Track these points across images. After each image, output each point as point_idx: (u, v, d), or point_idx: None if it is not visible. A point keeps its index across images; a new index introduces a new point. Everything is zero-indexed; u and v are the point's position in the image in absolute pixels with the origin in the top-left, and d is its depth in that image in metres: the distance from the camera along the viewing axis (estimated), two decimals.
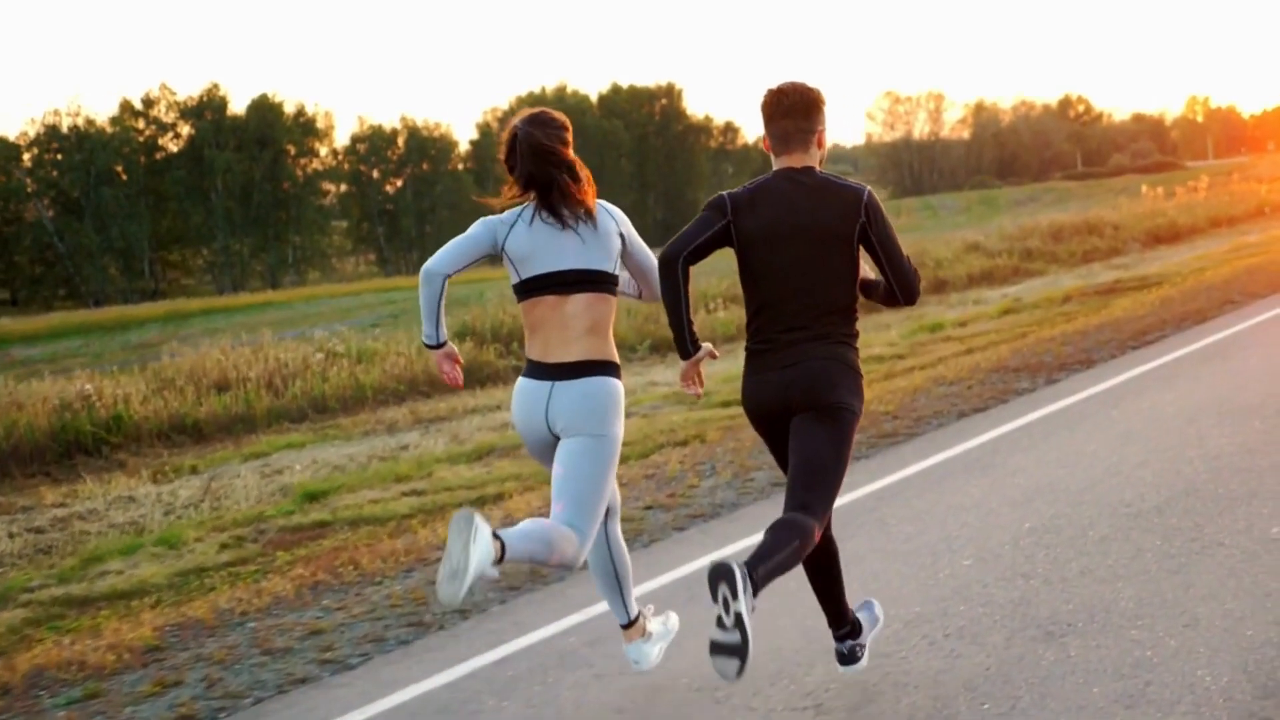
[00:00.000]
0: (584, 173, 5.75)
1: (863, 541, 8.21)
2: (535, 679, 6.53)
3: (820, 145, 5.61)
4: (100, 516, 13.12)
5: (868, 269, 5.72)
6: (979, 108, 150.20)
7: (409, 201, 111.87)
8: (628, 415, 12.35)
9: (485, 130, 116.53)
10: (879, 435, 11.70)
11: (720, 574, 4.96)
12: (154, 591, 9.21)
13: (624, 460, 11.31)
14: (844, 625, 5.95)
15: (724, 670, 4.98)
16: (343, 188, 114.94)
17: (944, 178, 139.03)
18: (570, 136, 5.78)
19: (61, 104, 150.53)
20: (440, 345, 5.83)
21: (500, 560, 5.19)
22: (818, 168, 5.60)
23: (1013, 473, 9.79)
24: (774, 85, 5.61)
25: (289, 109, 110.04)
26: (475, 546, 5.01)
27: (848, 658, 5.96)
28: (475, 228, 5.75)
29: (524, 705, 6.20)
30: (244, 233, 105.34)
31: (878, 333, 21.24)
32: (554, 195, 5.67)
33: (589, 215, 5.71)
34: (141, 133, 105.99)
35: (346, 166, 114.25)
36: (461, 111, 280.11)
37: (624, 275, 5.99)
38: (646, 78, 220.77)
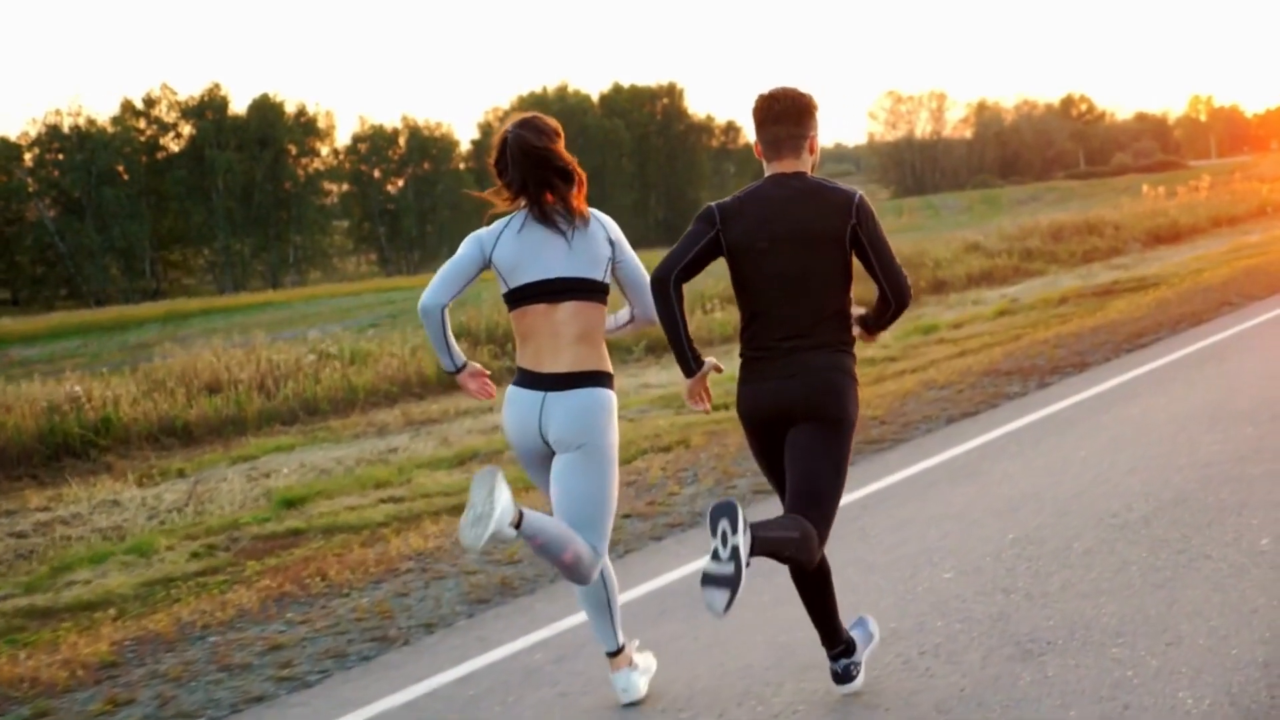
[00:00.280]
0: (578, 174, 5.68)
1: (843, 553, 7.97)
2: (497, 698, 6.32)
3: (812, 150, 5.55)
4: (83, 521, 12.96)
5: (857, 308, 5.59)
6: (981, 107, 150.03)
7: (410, 201, 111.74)
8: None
9: (487, 130, 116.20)
10: (866, 441, 11.47)
11: (723, 510, 4.97)
12: (119, 603, 9.01)
13: None
14: (838, 644, 5.78)
15: (713, 601, 4.98)
16: (344, 187, 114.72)
17: (946, 177, 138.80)
18: (562, 141, 5.71)
19: (63, 104, 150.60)
20: (460, 369, 5.82)
21: (517, 525, 5.24)
22: (809, 173, 5.52)
23: (999, 481, 9.57)
24: (765, 90, 5.54)
25: (290, 109, 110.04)
26: (499, 496, 5.13)
27: (843, 677, 5.76)
28: (464, 246, 5.69)
29: None
30: (245, 232, 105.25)
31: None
32: (546, 198, 5.60)
33: (581, 220, 5.65)
34: (143, 132, 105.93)
35: (348, 166, 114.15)
36: (463, 111, 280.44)
37: (611, 318, 5.91)
38: (648, 77, 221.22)
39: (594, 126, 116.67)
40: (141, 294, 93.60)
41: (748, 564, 4.97)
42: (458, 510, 10.71)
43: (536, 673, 6.60)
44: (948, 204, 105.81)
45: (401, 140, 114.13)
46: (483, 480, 5.17)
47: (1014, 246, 36.36)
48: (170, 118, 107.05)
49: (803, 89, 5.55)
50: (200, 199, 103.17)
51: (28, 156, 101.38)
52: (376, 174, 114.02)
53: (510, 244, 5.62)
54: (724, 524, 4.96)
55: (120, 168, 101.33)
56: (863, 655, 5.85)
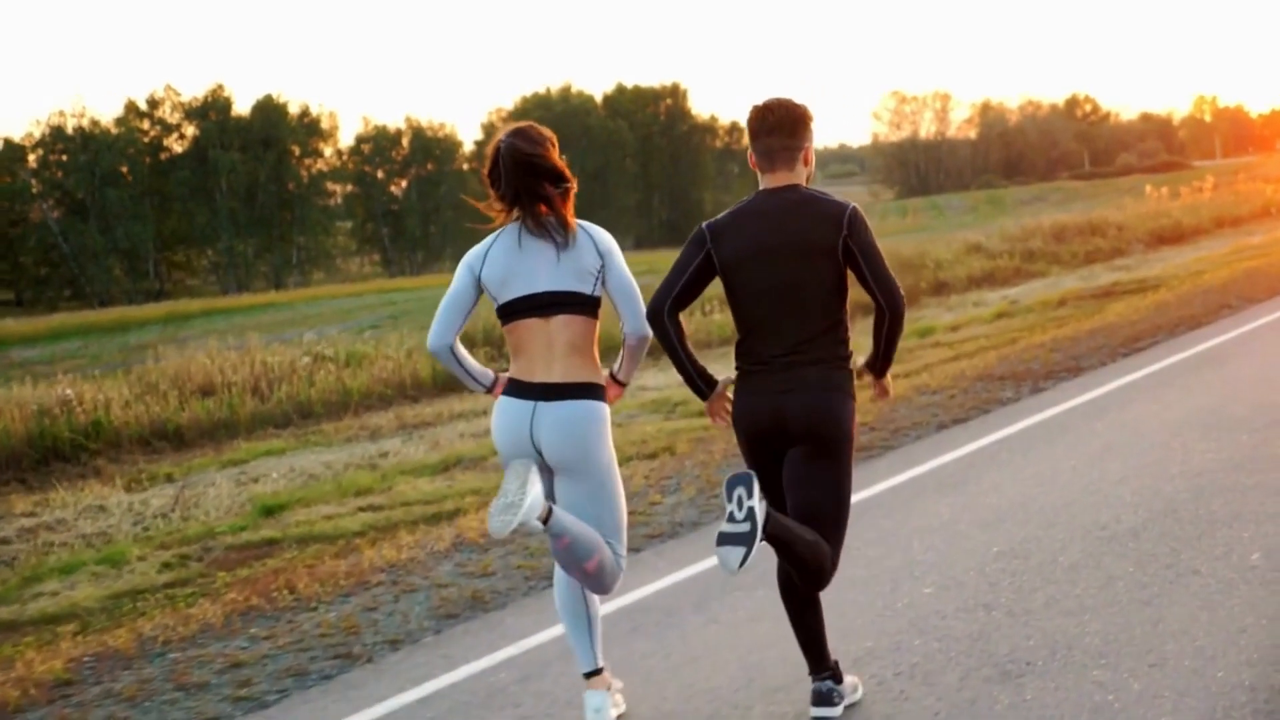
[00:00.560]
0: (570, 185, 5.59)
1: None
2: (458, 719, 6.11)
3: (807, 162, 5.48)
4: (68, 527, 12.75)
5: (858, 357, 5.53)
6: (985, 107, 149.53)
7: (413, 202, 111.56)
8: None
9: (490, 131, 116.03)
10: (855, 449, 11.21)
11: (739, 479, 5.02)
12: (84, 616, 8.79)
13: None
14: (824, 669, 5.60)
15: (727, 559, 5.00)
16: (347, 188, 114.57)
17: (950, 178, 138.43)
18: (556, 150, 5.63)
19: (67, 105, 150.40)
20: (492, 386, 5.75)
21: (545, 521, 5.21)
22: (804, 185, 5.47)
23: (986, 491, 9.34)
24: (759, 102, 5.47)
25: (293, 109, 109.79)
26: (531, 488, 5.12)
27: (824, 697, 5.55)
28: (457, 275, 5.65)
29: None
30: (248, 233, 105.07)
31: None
32: (539, 210, 5.53)
33: (568, 232, 5.55)
34: (146, 133, 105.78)
35: (351, 167, 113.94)
36: (466, 112, 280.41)
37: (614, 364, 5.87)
38: (651, 78, 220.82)
39: (597, 127, 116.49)
40: (145, 295, 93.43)
41: (763, 532, 5.00)
42: (436, 519, 10.52)
43: (499, 693, 6.39)
44: (952, 204, 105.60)
45: (405, 141, 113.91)
46: (517, 471, 5.17)
47: (1016, 247, 36.14)
48: (174, 118, 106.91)
49: (797, 100, 5.48)
50: (204, 200, 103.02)
51: (32, 157, 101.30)
52: (380, 175, 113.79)
53: (498, 260, 5.55)
54: (740, 490, 5.00)
55: (124, 169, 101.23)
56: (847, 692, 5.66)
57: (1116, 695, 5.41)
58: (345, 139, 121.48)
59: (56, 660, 7.52)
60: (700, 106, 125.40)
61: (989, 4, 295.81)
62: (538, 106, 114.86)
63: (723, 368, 5.85)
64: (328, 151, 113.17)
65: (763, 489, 5.29)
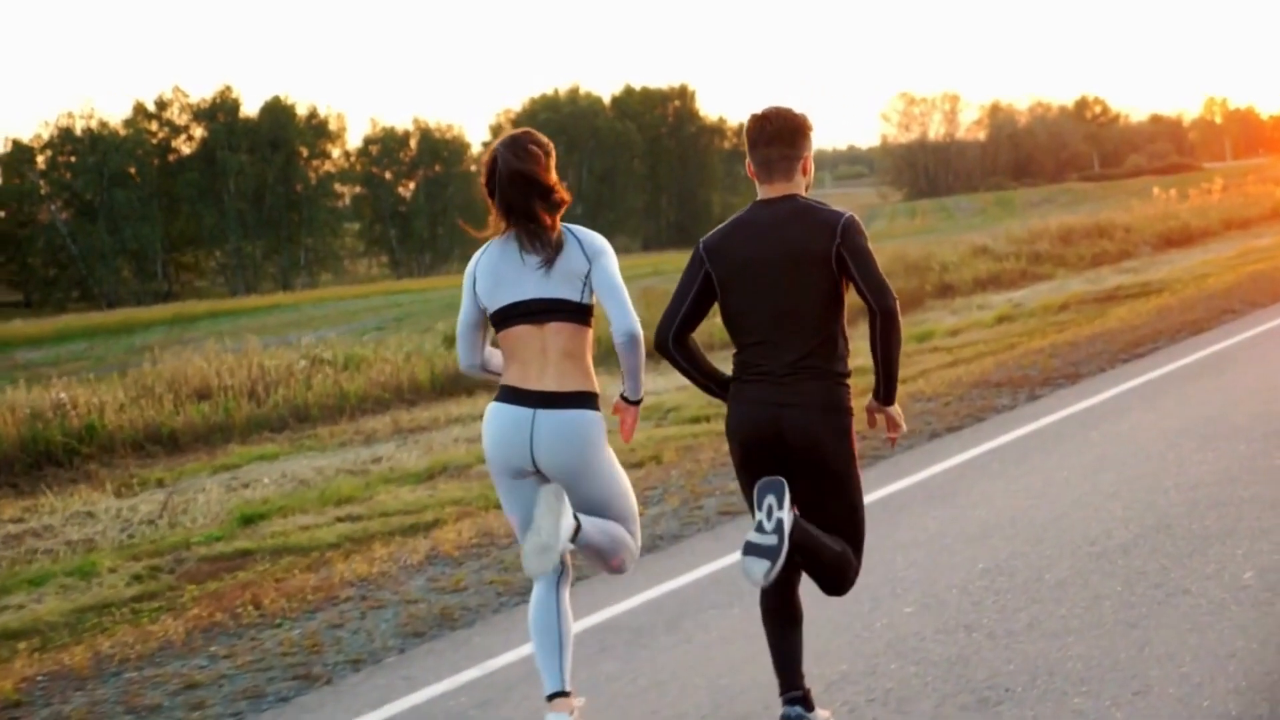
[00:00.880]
0: (562, 197, 5.53)
1: (802, 584, 7.46)
2: None
3: (805, 172, 5.41)
4: (54, 533, 12.54)
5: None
6: (995, 109, 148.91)
7: (421, 203, 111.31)
8: None
9: (498, 132, 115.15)
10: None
11: (771, 486, 5.01)
12: (45, 632, 8.54)
13: None
14: (796, 690, 5.38)
15: (752, 571, 5.01)
16: (355, 190, 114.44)
17: (960, 179, 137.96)
18: (551, 160, 5.58)
19: (75, 106, 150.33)
20: None
21: (573, 539, 5.27)
22: (803, 194, 5.38)
23: (976, 503, 9.09)
24: (757, 111, 5.40)
25: (301, 111, 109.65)
26: (563, 521, 5.15)
27: None
28: (464, 291, 5.64)
29: None
30: (256, 235, 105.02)
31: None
32: (528, 223, 5.46)
33: (555, 251, 5.47)
34: (154, 135, 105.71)
35: (359, 168, 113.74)
36: (474, 113, 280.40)
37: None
38: (659, 79, 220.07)
39: (605, 128, 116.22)
40: (153, 296, 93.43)
41: (789, 545, 4.99)
42: (413, 530, 10.27)
43: (458, 718, 6.15)
44: (961, 206, 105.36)
45: (413, 142, 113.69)
46: (550, 505, 5.16)
47: (1022, 250, 35.86)
48: (182, 120, 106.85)
49: (796, 109, 5.39)
50: (212, 201, 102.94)
51: (40, 159, 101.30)
52: (388, 176, 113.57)
53: (488, 268, 5.52)
54: (770, 499, 4.99)
55: (132, 170, 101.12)
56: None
57: None
58: (353, 140, 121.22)
59: (7, 680, 7.29)
60: (709, 108, 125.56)
61: (998, 5, 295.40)
62: (546, 108, 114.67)
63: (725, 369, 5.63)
64: (336, 153, 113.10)
65: (748, 493, 5.29)
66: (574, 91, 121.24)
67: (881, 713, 5.59)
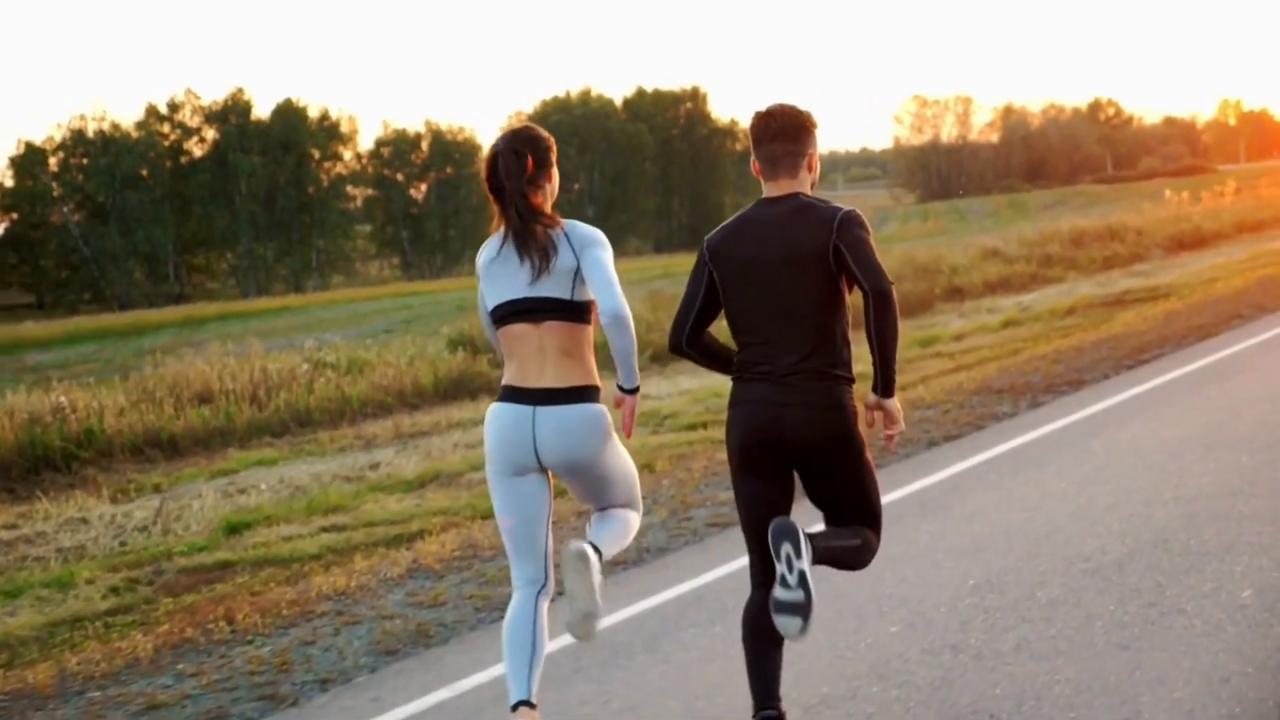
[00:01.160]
0: (544, 195, 5.51)
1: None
2: None
3: (811, 169, 5.37)
4: (47, 540, 12.38)
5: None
6: (1007, 111, 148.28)
7: (433, 205, 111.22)
8: None
9: None
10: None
11: (784, 532, 4.97)
12: (15, 646, 8.32)
13: (560, 494, 10.41)
14: (770, 706, 5.19)
15: (787, 628, 5.02)
16: (367, 192, 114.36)
17: (972, 181, 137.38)
18: (552, 154, 5.58)
19: (87, 108, 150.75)
20: None
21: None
22: (808, 192, 5.34)
23: (970, 515, 8.86)
24: (762, 108, 5.36)
25: (313, 113, 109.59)
26: (594, 580, 5.27)
27: None
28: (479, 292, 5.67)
29: None
30: (268, 237, 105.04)
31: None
32: (520, 219, 5.41)
33: (544, 251, 5.40)
34: (166, 137, 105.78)
35: (370, 170, 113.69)
36: (486, 115, 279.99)
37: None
38: (671, 81, 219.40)
39: (617, 130, 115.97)
40: (165, 298, 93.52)
41: (813, 591, 5.01)
42: (396, 542, 10.05)
43: None
44: (974, 208, 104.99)
45: (424, 144, 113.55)
46: (579, 571, 5.26)
47: (1033, 252, 35.59)
48: (194, 122, 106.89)
49: (801, 106, 5.36)
50: (223, 203, 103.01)
51: (52, 161, 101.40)
52: (399, 178, 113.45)
53: (485, 267, 5.50)
54: (787, 548, 4.95)
55: (144, 172, 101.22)
56: None
57: None
58: (365, 142, 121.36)
59: None
60: (720, 110, 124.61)
61: (1011, 7, 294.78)
62: (557, 109, 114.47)
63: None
64: (347, 155, 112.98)
65: (759, 496, 5.24)
66: (586, 93, 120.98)
67: None
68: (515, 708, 5.27)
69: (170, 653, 7.59)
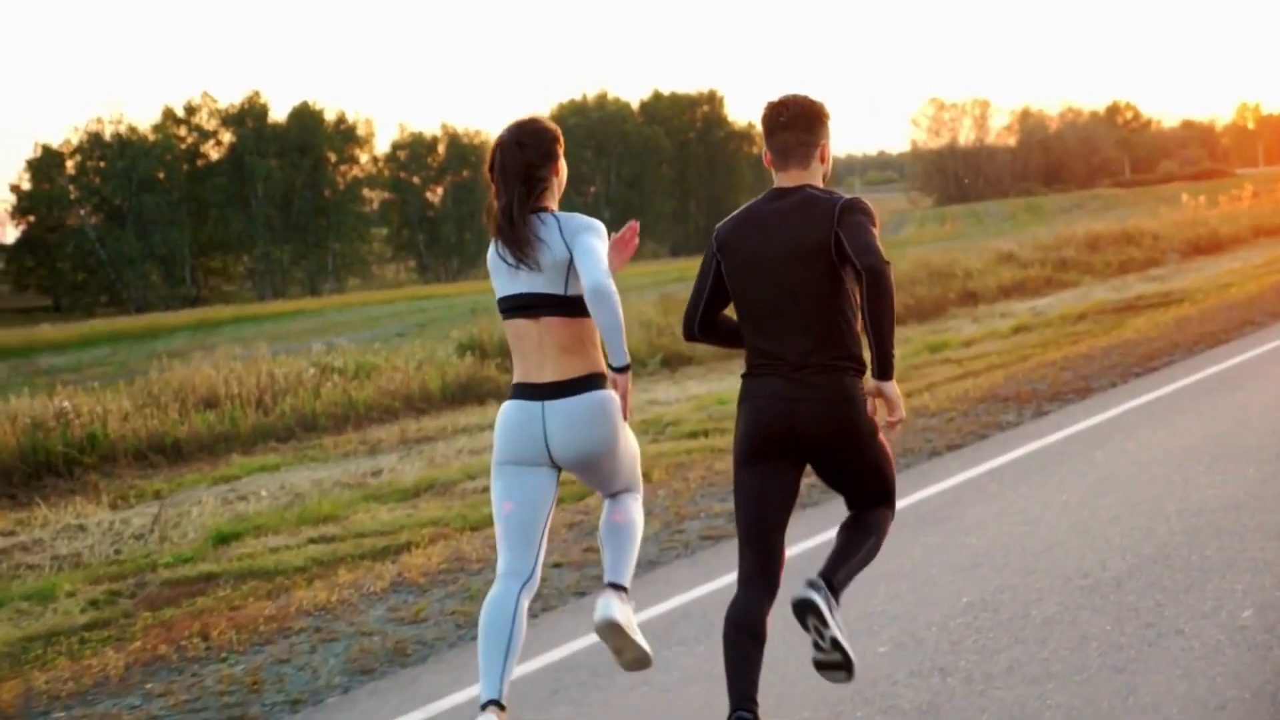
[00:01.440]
0: (550, 188, 5.49)
1: (776, 619, 6.94)
2: None
3: (823, 160, 5.34)
4: (44, 547, 12.23)
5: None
6: (1025, 114, 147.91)
7: (449, 208, 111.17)
8: None
9: None
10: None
11: (805, 609, 5.12)
12: None
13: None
14: (746, 707, 5.03)
15: (834, 679, 5.32)
16: (383, 195, 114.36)
17: (990, 185, 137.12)
18: (559, 146, 5.53)
19: (104, 111, 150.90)
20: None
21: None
22: (820, 184, 5.31)
23: (968, 529, 8.64)
24: (774, 98, 5.36)
25: (330, 116, 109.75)
26: (637, 637, 5.45)
27: None
28: None
29: None
30: (284, 240, 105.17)
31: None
32: (508, 220, 5.38)
33: (522, 236, 5.35)
34: (183, 140, 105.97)
35: (387, 173, 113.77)
36: (502, 118, 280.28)
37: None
38: (688, 84, 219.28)
39: (634, 134, 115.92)
40: (181, 301, 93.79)
41: (845, 640, 5.20)
42: (383, 554, 9.82)
43: None
44: (991, 212, 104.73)
45: (441, 147, 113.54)
46: (617, 640, 5.42)
47: (1048, 257, 35.32)
48: (211, 125, 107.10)
49: (814, 97, 5.36)
50: (240, 206, 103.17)
51: (69, 164, 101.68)
52: (416, 181, 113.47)
53: (490, 260, 5.48)
54: (813, 622, 5.12)
55: (161, 175, 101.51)
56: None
57: None
58: (381, 146, 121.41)
59: None
60: (737, 113, 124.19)
61: (1028, 10, 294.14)
62: (574, 113, 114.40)
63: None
64: (364, 158, 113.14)
65: (759, 491, 5.21)
66: (602, 96, 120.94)
67: None
68: (484, 706, 5.14)
69: (141, 671, 7.38)
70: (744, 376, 5.32)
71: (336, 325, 47.03)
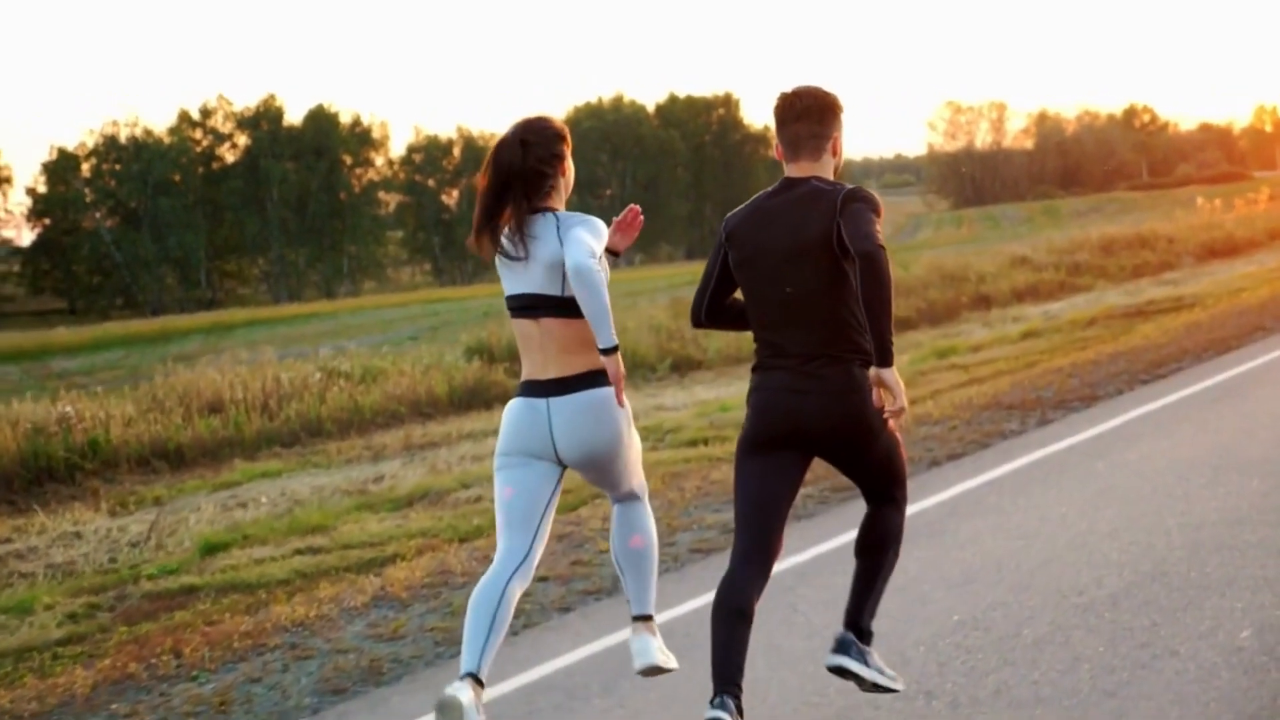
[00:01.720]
0: (556, 188, 5.48)
1: (764, 634, 6.69)
2: None
3: (835, 153, 5.32)
4: (39, 555, 12.05)
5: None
6: (1042, 117, 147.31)
7: (465, 211, 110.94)
8: None
9: None
10: (832, 489, 10.27)
11: (841, 674, 5.38)
12: None
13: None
14: (730, 689, 4.99)
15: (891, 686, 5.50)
16: (399, 198, 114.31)
17: (1007, 188, 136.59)
18: (565, 146, 5.49)
19: (120, 114, 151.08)
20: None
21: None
22: (831, 176, 5.28)
23: (963, 543, 8.42)
24: (787, 89, 5.33)
25: (345, 119, 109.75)
26: (671, 664, 5.65)
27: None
28: None
29: None
30: (300, 243, 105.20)
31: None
32: (516, 212, 5.37)
33: (524, 239, 5.35)
34: (199, 143, 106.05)
35: (402, 176, 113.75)
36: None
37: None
38: (704, 87, 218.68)
39: (650, 136, 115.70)
40: (197, 304, 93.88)
41: (877, 665, 5.48)
42: (368, 567, 9.60)
43: None
44: (1008, 215, 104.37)
45: (456, 150, 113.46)
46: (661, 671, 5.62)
47: (1062, 260, 35.09)
48: (226, 128, 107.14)
49: (827, 88, 5.32)
50: (255, 209, 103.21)
51: (85, 167, 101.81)
52: (431, 184, 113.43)
53: (499, 257, 5.44)
54: (851, 680, 5.42)
55: (176, 178, 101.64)
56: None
57: None
58: (397, 148, 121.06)
59: None
60: (753, 116, 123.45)
61: (1045, 13, 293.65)
62: (590, 115, 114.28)
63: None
64: (379, 161, 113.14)
65: (760, 480, 5.20)
66: (618, 99, 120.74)
67: None
68: (462, 678, 5.11)
69: (109, 690, 7.17)
70: (753, 370, 5.31)
71: (349, 328, 46.92)
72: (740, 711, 4.94)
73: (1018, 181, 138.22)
